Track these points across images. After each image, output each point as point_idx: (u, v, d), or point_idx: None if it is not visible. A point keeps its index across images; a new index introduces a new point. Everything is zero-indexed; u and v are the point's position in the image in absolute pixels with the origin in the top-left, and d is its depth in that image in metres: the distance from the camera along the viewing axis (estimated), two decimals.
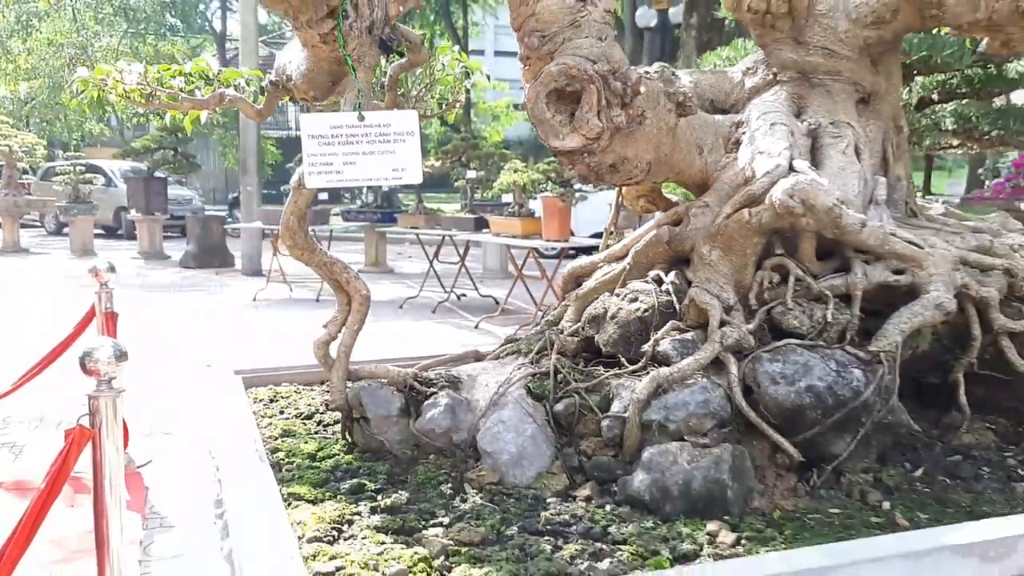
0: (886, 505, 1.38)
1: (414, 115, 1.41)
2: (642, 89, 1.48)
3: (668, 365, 1.50)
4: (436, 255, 10.74)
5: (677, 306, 1.62)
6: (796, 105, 1.74)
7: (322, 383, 2.12)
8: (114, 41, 18.30)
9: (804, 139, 1.68)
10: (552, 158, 7.55)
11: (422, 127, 2.25)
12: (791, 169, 1.56)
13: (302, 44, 1.59)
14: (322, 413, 1.87)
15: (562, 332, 1.74)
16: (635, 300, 1.66)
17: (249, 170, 12.17)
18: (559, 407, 1.56)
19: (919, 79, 4.91)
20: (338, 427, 1.74)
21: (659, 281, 1.69)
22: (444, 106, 2.31)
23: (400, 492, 1.45)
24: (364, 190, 12.40)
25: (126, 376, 2.27)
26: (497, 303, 10.14)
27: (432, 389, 1.60)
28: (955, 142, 5.27)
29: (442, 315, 10.22)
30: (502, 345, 1.86)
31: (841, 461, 1.43)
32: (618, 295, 1.70)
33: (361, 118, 1.39)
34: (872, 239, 1.51)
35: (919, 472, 1.50)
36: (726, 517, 1.34)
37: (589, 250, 7.22)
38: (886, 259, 1.54)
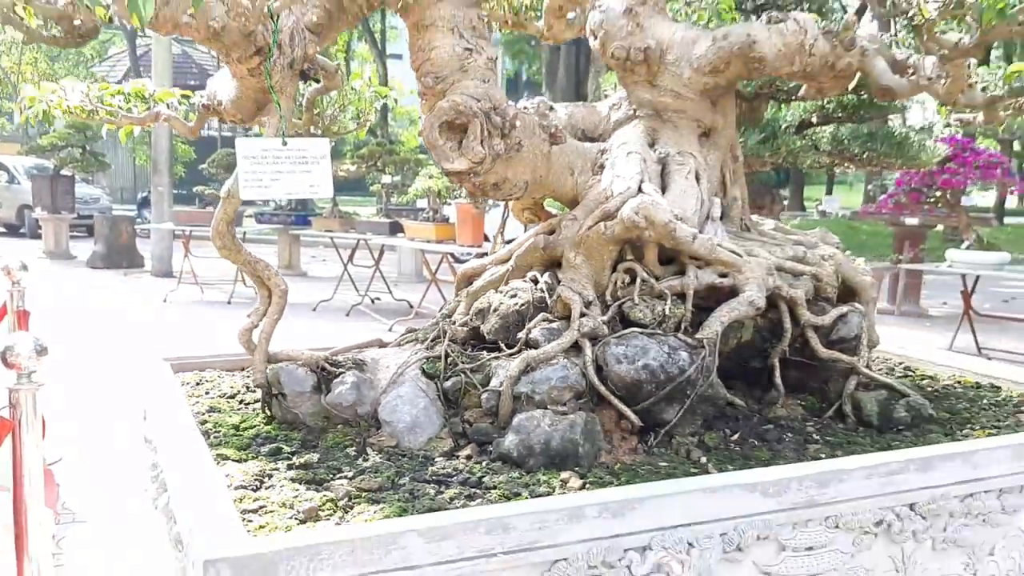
0: (704, 460, 1.76)
1: (325, 142, 1.72)
2: (518, 123, 1.83)
3: (537, 348, 1.84)
4: (351, 258, 10.94)
5: (548, 301, 1.97)
6: (650, 137, 2.11)
7: (242, 369, 2.39)
8: (19, 35, 17.86)
9: (655, 166, 2.05)
10: None
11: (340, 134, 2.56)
12: (640, 191, 1.93)
13: (232, 75, 1.88)
14: (244, 393, 2.16)
15: (454, 323, 2.07)
16: (514, 296, 2.00)
17: (161, 170, 12.16)
18: (448, 384, 1.89)
19: (800, 104, 5.45)
20: (258, 405, 2.03)
21: (535, 281, 2.04)
22: (357, 124, 2.63)
23: (312, 454, 1.76)
24: None
25: (45, 371, 2.55)
26: (411, 306, 10.43)
27: (341, 369, 1.91)
28: (831, 161, 5.82)
29: (356, 317, 10.46)
30: (403, 335, 2.18)
31: (672, 426, 1.80)
32: (501, 292, 2.04)
33: (284, 143, 1.69)
34: (702, 249, 1.90)
35: (735, 436, 1.88)
36: (577, 469, 1.69)
37: None
38: (714, 265, 1.92)
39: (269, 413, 1.93)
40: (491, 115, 1.78)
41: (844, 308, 2.06)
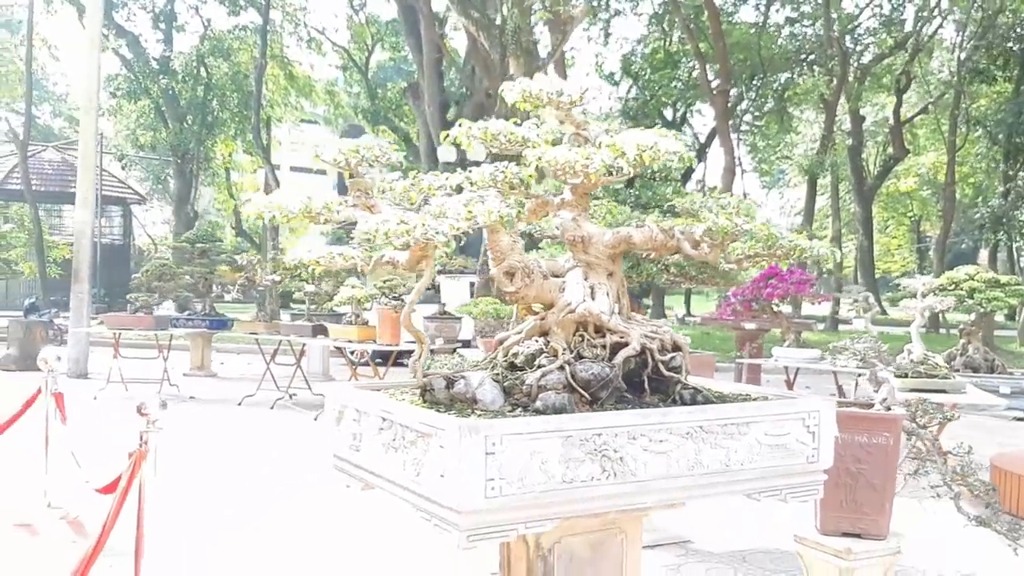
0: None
1: (465, 282, 4.58)
2: (533, 272, 4.82)
3: (544, 367, 4.78)
4: (273, 358, 13.50)
5: (545, 349, 4.91)
6: (585, 275, 5.13)
7: (377, 390, 5.18)
8: None
9: (588, 289, 5.06)
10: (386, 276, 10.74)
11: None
12: (584, 300, 4.93)
13: (404, 251, 4.76)
14: (396, 396, 4.94)
15: (498, 361, 4.98)
16: (529, 347, 4.94)
17: (81, 278, 14.35)
18: (505, 384, 4.77)
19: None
20: (410, 399, 4.84)
21: (537, 340, 4.98)
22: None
23: (452, 412, 4.59)
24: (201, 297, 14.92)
25: (166, 418, 5.68)
26: None
27: (457, 378, 4.76)
28: (677, 279, 9.12)
29: (280, 411, 13.10)
30: (475, 364, 5.07)
31: (603, 401, 4.75)
32: (522, 345, 4.97)
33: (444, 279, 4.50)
34: (612, 325, 4.90)
35: (630, 407, 4.85)
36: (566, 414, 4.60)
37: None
38: (617, 333, 4.93)
39: (424, 400, 4.74)
40: (524, 268, 4.77)
41: (674, 353, 5.11)
